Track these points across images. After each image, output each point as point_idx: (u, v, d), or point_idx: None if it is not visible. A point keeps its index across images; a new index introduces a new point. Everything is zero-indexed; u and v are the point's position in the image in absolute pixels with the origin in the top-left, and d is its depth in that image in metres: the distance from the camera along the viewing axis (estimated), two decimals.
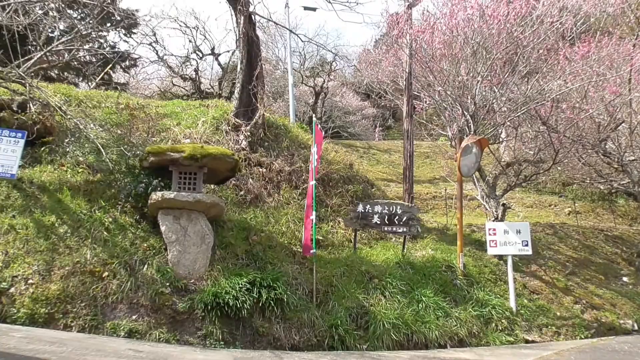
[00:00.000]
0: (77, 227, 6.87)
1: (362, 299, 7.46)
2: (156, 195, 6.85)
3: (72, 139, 8.19)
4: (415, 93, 12.63)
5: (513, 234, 8.73)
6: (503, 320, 8.07)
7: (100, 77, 12.54)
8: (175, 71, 24.91)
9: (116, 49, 19.96)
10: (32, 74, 9.79)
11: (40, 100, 8.75)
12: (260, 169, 9.21)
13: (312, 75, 27.45)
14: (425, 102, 12.62)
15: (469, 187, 14.53)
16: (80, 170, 7.67)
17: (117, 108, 8.76)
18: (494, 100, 10.44)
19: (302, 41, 30.19)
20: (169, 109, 10.65)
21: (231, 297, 6.43)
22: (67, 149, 7.49)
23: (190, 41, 25.42)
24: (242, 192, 8.63)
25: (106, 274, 6.37)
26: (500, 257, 9.80)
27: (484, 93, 10.43)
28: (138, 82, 24.41)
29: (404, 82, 11.64)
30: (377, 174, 20.69)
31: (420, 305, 7.69)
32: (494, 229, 8.92)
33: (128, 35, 20.62)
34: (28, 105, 8.19)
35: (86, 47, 18.82)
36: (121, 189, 7.18)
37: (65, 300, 5.98)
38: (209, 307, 6.34)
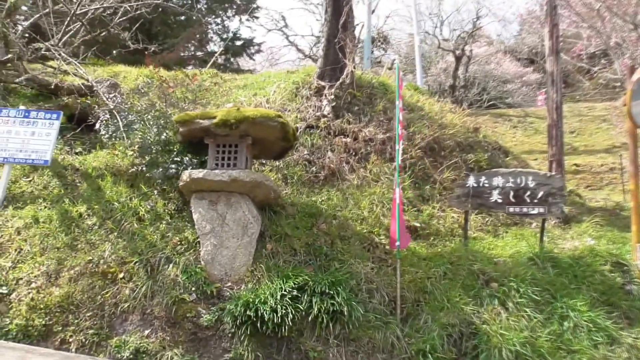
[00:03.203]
0: (107, 218, 5.78)
1: (471, 312, 5.10)
2: (185, 176, 5.41)
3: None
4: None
5: None
6: None
7: (209, 64, 11.75)
8: (305, 53, 23.98)
9: (238, 35, 19.59)
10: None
11: (108, 81, 8.04)
12: (344, 139, 7.27)
13: (454, 38, 24.16)
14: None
15: None
16: (130, 154, 6.61)
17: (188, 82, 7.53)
18: None
19: None
20: (250, 80, 9.28)
21: (268, 308, 4.69)
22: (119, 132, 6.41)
23: (317, 20, 24.23)
24: (314, 169, 6.80)
25: (121, 275, 5.13)
26: None
27: None
28: (266, 68, 24.01)
29: (546, 7, 8.53)
30: (535, 145, 17.09)
31: (565, 323, 5.05)
32: None
33: (251, 20, 20.10)
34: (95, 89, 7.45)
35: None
36: (157, 172, 5.88)
37: (67, 309, 4.86)
38: (239, 321, 4.70)
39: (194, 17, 17.39)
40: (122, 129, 5.91)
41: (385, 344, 4.83)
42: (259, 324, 4.63)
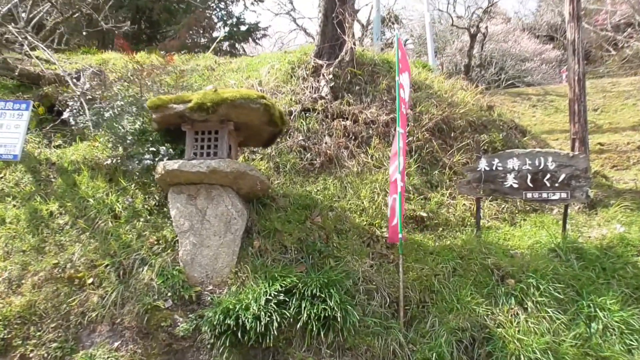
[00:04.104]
0: (80, 217, 5.26)
1: (484, 313, 4.47)
2: (159, 167, 4.85)
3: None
4: None
5: None
6: None
7: (211, 49, 11.18)
8: (314, 37, 23.13)
9: (242, 20, 18.92)
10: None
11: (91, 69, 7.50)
12: (343, 122, 6.62)
13: (469, 15, 23.03)
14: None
15: None
16: (110, 145, 6.05)
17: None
18: None
19: None
20: (244, 63, 8.65)
21: (250, 315, 4.12)
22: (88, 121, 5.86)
23: None
24: (309, 155, 6.18)
25: (90, 280, 4.61)
26: None
27: None
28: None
29: None
30: (555, 125, 16.16)
31: (593, 325, 4.40)
32: None
33: (256, 4, 19.36)
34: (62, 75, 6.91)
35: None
36: (132, 163, 5.34)
37: (29, 320, 4.36)
38: (219, 331, 4.14)
39: (197, 1, 16.78)
40: (89, 118, 5.35)
41: (386, 352, 4.25)
42: (239, 334, 4.08)
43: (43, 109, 7.00)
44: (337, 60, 7.37)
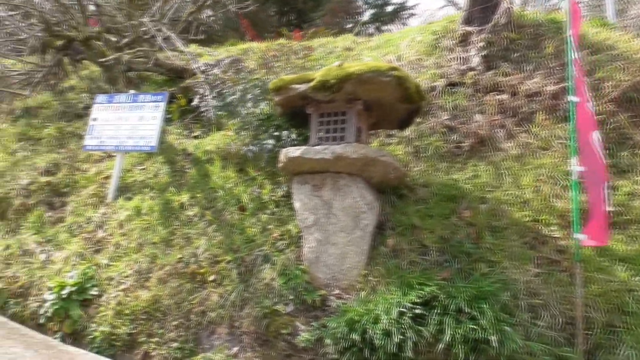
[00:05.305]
0: (208, 208, 5.07)
1: None
2: (282, 155, 4.39)
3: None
4: None
5: None
6: None
7: (354, 32, 10.78)
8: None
9: (388, 1, 18.12)
10: None
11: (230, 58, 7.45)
12: (497, 96, 5.50)
13: None
14: None
15: None
16: (243, 134, 5.83)
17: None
18: None
19: None
20: (384, 39, 7.89)
21: (379, 330, 3.42)
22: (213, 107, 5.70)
23: None
24: (455, 137, 5.21)
25: (212, 277, 4.32)
26: None
27: None
28: None
29: None
30: None
31: None
32: None
33: None
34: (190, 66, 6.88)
35: None
36: (253, 150, 4.98)
37: (153, 316, 4.21)
38: (343, 346, 3.52)
39: None
40: (211, 102, 5.09)
41: None
42: (367, 352, 3.40)
43: (185, 100, 7.08)
44: (490, 24, 6.22)
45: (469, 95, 5.63)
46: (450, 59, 6.19)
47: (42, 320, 4.44)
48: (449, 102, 5.60)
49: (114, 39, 7.30)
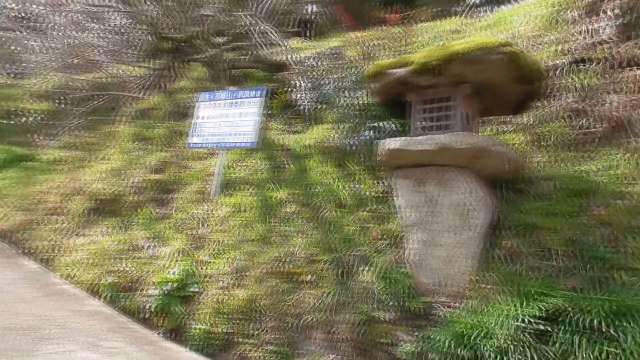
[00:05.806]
0: (306, 205, 4.89)
1: None
2: (380, 147, 4.04)
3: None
4: None
5: None
6: None
7: (463, 14, 10.14)
8: None
9: None
10: None
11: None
12: (636, 71, 4.64)
13: None
14: None
15: None
16: (342, 127, 5.58)
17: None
18: None
19: None
20: (496, 17, 7.16)
21: (492, 347, 2.96)
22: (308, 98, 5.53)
23: None
24: (584, 122, 4.47)
25: (308, 277, 4.11)
26: None
27: None
28: None
29: None
30: None
31: None
32: None
33: None
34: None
35: None
36: (350, 142, 4.69)
37: (250, 316, 4.10)
38: None
39: None
40: (307, 96, 4.87)
41: None
42: None
43: (285, 95, 7.00)
44: None
45: (600, 72, 4.81)
46: (576, 32, 5.38)
47: (147, 315, 4.55)
48: (575, 81, 4.84)
49: (216, 38, 7.43)
